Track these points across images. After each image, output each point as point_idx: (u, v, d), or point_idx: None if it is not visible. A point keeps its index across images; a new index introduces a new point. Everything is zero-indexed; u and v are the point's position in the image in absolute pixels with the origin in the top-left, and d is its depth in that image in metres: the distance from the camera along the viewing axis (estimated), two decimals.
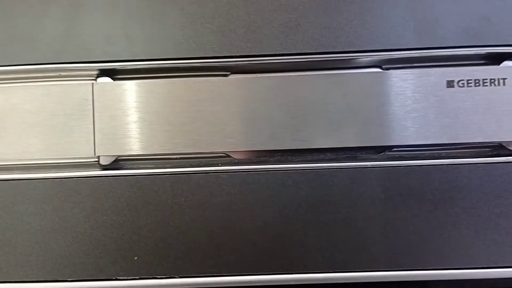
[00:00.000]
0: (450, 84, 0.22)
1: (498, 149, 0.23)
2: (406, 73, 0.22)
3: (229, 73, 0.23)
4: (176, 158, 0.23)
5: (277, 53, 0.22)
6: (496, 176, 0.22)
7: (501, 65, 0.22)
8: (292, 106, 0.22)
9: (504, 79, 0.22)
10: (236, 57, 0.22)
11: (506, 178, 0.22)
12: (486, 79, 0.22)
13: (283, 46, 0.22)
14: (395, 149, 0.23)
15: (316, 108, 0.22)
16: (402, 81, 0.22)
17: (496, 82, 0.22)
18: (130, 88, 0.22)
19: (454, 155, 0.23)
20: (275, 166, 0.22)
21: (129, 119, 0.22)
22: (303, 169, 0.22)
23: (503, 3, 0.22)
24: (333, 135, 0.22)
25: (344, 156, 0.23)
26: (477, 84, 0.22)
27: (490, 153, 0.23)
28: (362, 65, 0.23)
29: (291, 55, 0.22)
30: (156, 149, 0.22)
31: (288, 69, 0.23)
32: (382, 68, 0.23)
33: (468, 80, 0.22)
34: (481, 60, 0.23)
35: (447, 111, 0.22)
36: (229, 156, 0.23)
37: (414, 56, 0.22)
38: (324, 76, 0.22)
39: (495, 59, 0.23)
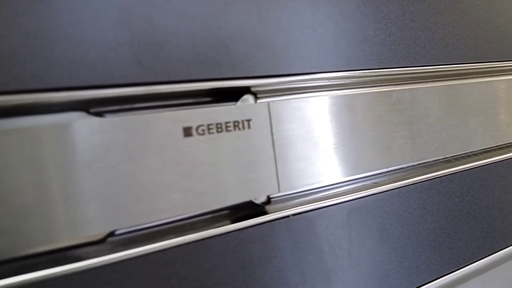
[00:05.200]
0: (187, 132, 0.16)
1: (248, 208, 0.18)
2: (124, 120, 0.14)
3: None
4: None
5: None
6: (252, 242, 0.17)
7: (240, 101, 0.18)
8: None
9: (248, 120, 0.17)
10: None
11: (261, 243, 0.18)
12: (229, 122, 0.17)
13: None
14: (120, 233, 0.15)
15: None
16: (120, 130, 0.14)
17: (241, 125, 0.17)
18: None
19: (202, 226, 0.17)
20: None
21: None
22: None
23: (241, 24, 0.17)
24: None
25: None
26: (220, 130, 0.17)
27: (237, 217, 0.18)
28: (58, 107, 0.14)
29: None
30: None
31: None
32: (89, 112, 0.15)
33: (209, 125, 0.16)
34: (211, 97, 0.17)
35: (188, 168, 0.16)
36: None
37: (135, 94, 0.15)
38: None
39: (231, 95, 0.18)
